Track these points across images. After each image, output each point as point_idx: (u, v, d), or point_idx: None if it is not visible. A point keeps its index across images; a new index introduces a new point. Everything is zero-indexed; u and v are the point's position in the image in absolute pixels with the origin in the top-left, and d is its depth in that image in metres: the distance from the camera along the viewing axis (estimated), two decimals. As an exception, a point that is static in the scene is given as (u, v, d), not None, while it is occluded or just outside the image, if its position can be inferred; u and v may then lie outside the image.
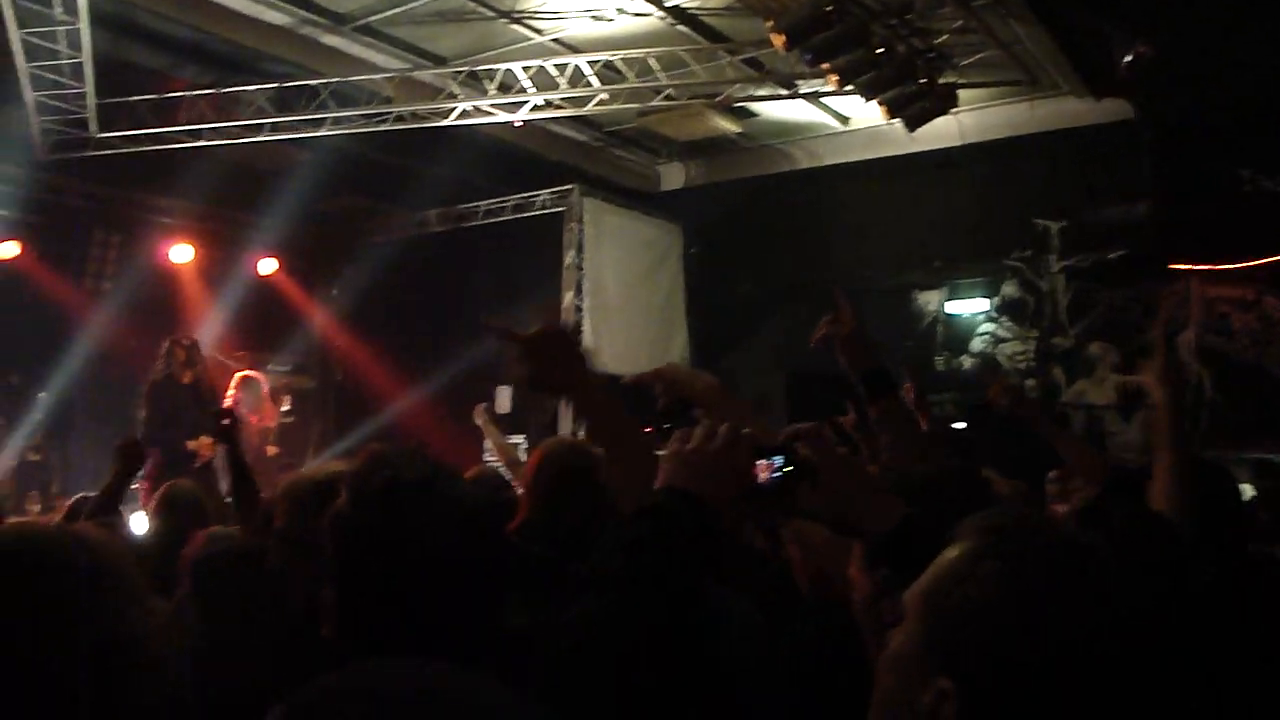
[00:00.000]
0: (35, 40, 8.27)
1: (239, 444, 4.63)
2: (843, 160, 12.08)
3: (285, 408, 10.54)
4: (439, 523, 1.59)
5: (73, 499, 5.41)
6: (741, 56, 9.47)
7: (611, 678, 1.39)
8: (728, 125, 11.33)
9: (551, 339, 2.01)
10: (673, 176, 13.54)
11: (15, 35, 8.15)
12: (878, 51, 8.27)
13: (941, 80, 8.86)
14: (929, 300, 12.21)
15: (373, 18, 9.45)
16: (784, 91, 10.25)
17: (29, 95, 9.02)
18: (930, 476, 2.24)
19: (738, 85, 9.97)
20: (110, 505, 4.29)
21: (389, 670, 1.43)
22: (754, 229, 12.78)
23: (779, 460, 1.64)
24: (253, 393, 9.51)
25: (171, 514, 4.17)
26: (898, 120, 8.97)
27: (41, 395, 11.04)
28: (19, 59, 8.46)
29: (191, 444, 7.99)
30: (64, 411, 11.32)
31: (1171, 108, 9.90)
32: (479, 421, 6.64)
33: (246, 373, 9.78)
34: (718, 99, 10.21)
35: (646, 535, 1.49)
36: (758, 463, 1.63)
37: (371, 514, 1.59)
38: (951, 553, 1.20)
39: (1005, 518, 1.23)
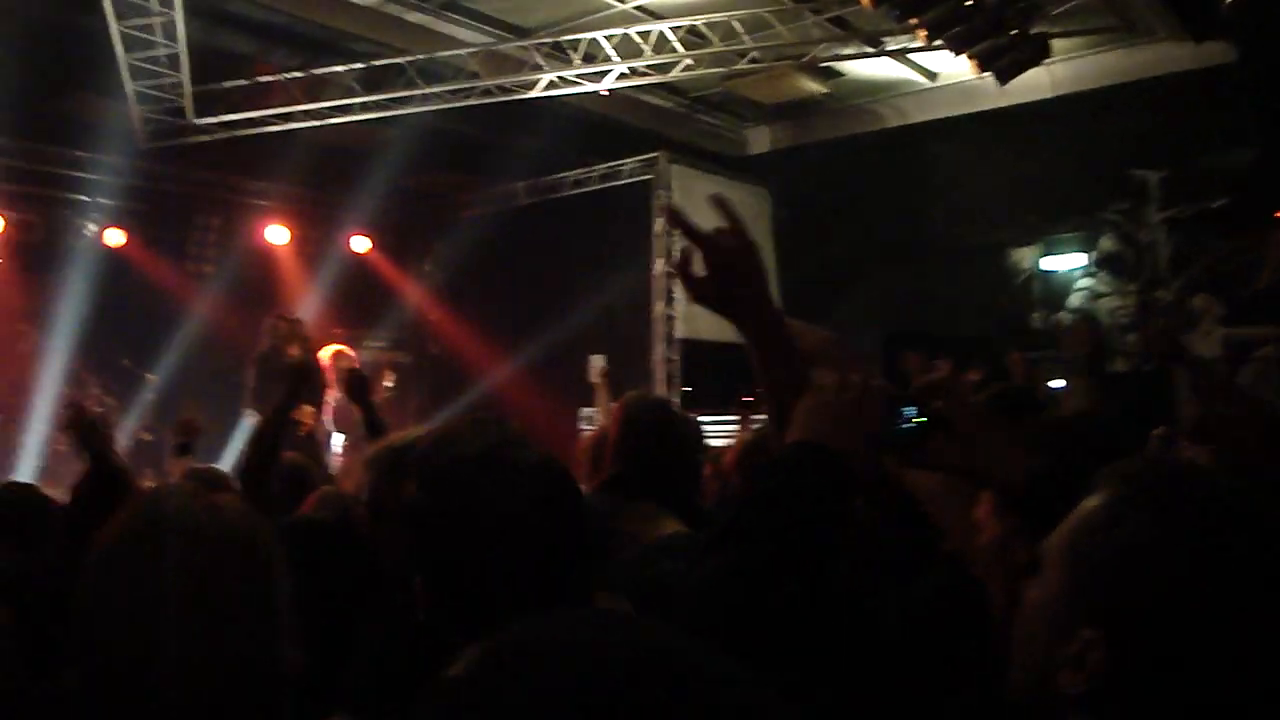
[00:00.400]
0: (133, 32, 8.49)
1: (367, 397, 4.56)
2: (932, 117, 11.88)
3: (388, 384, 10.62)
4: (505, 493, 1.56)
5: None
6: (826, 15, 9.37)
7: (736, 638, 1.31)
8: (814, 86, 11.21)
9: (740, 250, 1.73)
10: (760, 140, 13.47)
11: (115, 28, 8.37)
12: (966, 4, 8.12)
13: (1033, 31, 8.68)
14: (1024, 257, 12.00)
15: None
16: (870, 49, 10.10)
17: (129, 86, 9.25)
18: (1065, 424, 2.20)
19: (823, 45, 9.87)
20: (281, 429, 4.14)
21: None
22: (843, 190, 12.63)
23: (911, 411, 1.62)
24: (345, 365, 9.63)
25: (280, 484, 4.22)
26: (988, 74, 8.82)
27: (151, 376, 11.37)
28: (119, 50, 8.69)
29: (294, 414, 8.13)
30: (173, 391, 11.64)
31: (1274, 48, 9.57)
32: (595, 380, 6.59)
33: (339, 347, 9.86)
34: (803, 60, 10.10)
35: (773, 491, 1.46)
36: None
37: (437, 495, 1.59)
38: (1094, 501, 1.18)
39: (1149, 466, 1.22)
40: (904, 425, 1.62)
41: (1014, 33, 8.50)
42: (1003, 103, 10.53)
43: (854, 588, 1.60)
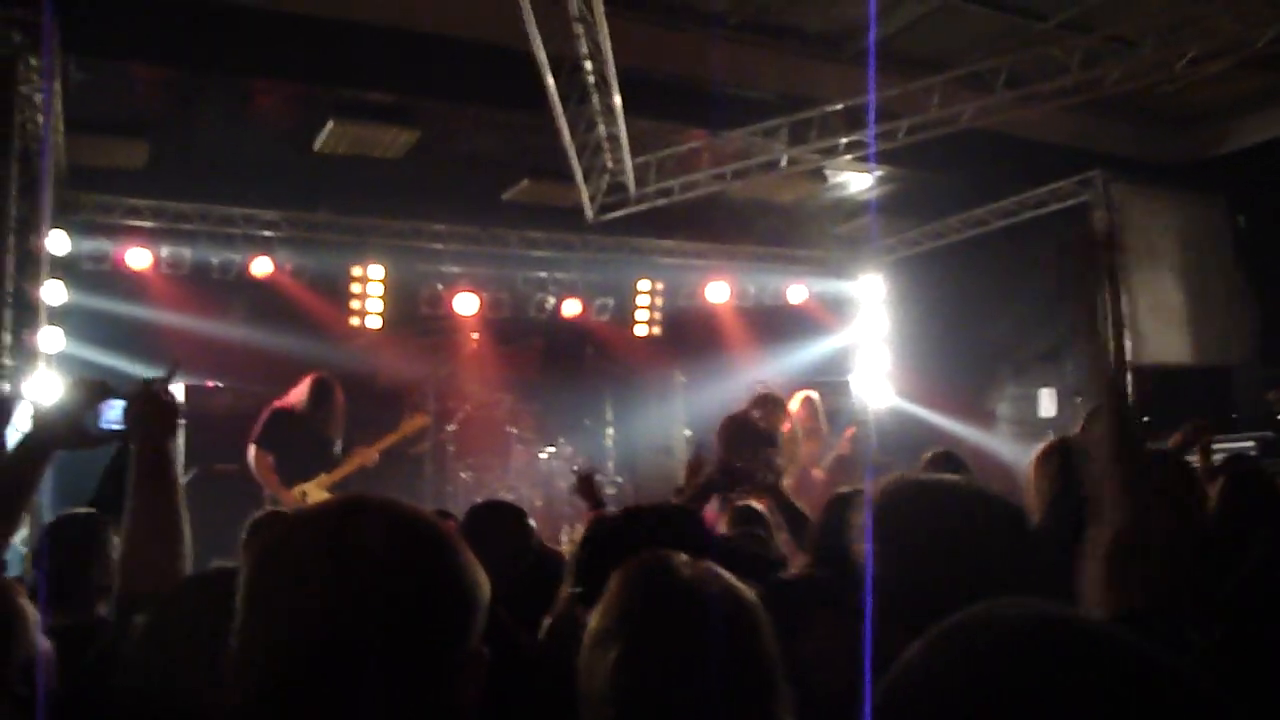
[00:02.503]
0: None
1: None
2: None
3: (849, 434, 10.66)
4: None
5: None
6: None
7: None
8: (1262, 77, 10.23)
9: None
10: (1205, 144, 12.46)
11: (564, 127, 9.18)
12: None
13: None
14: None
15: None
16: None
17: (576, 167, 10.05)
18: None
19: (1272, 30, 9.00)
20: None
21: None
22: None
23: None
24: (810, 412, 9.82)
25: None
26: None
27: (610, 432, 12.20)
28: (565, 137, 9.47)
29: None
30: (629, 446, 12.38)
31: None
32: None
33: (807, 393, 10.08)
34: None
35: None
36: None
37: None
38: None
39: None
40: None
41: None
42: None
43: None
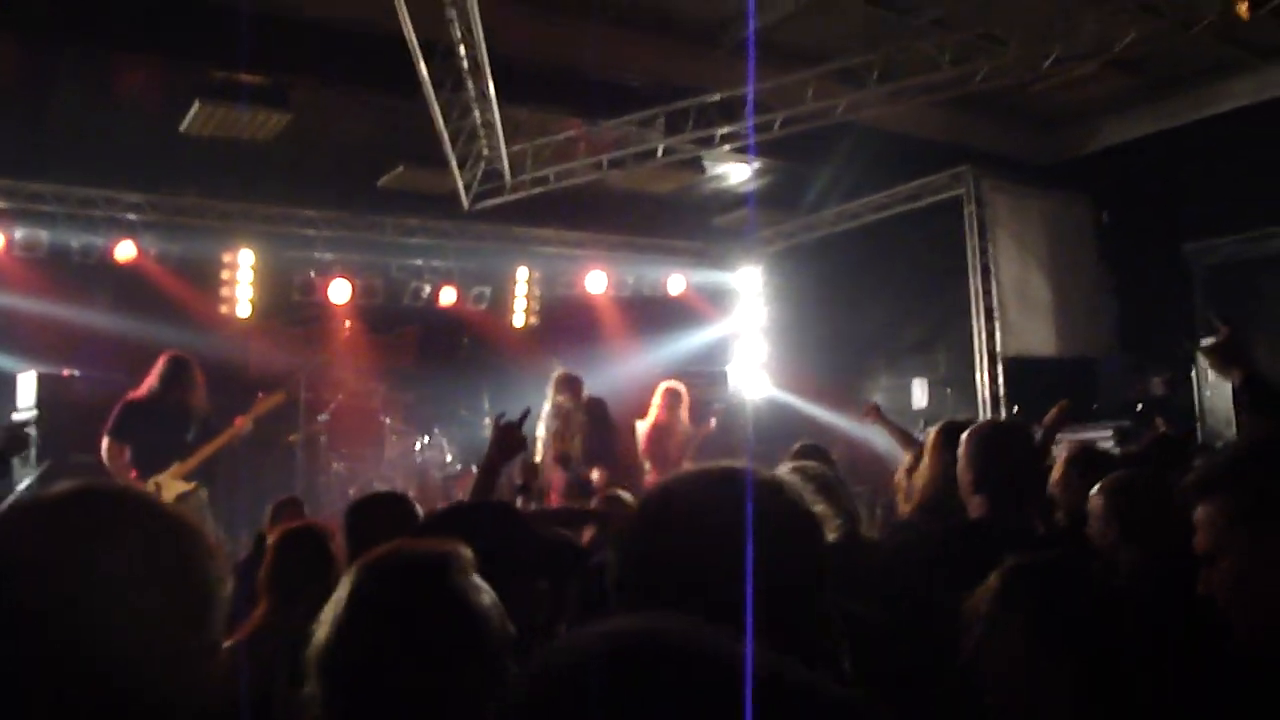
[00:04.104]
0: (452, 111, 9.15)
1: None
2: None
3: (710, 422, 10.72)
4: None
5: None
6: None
7: None
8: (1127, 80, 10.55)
9: None
10: (1072, 143, 12.79)
11: (438, 114, 9.03)
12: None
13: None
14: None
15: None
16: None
17: (450, 155, 9.90)
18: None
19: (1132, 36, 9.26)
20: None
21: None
22: (1177, 182, 11.78)
23: None
24: (668, 404, 9.83)
25: None
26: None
27: (486, 423, 12.08)
28: (439, 123, 9.33)
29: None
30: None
31: None
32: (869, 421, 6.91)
33: (671, 384, 10.11)
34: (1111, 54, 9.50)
35: None
36: None
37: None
38: None
39: None
40: None
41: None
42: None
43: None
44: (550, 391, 9.12)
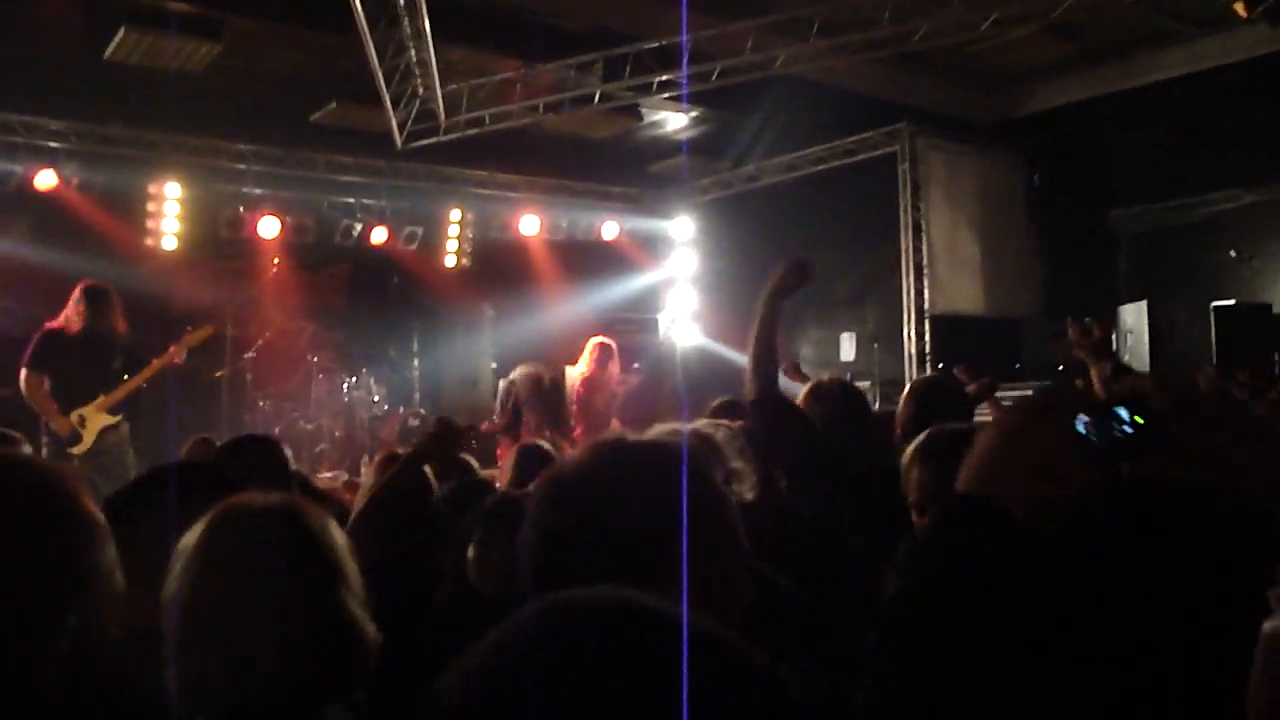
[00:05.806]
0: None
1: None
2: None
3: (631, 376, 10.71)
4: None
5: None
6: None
7: None
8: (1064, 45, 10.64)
9: None
10: (1008, 105, 12.89)
11: (371, 50, 8.87)
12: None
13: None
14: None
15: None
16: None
17: (384, 93, 9.74)
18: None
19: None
20: None
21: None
22: (1107, 149, 11.95)
23: (1124, 413, 1.33)
24: (598, 359, 9.75)
25: None
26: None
27: (416, 364, 12.03)
28: (373, 60, 9.17)
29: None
30: (435, 378, 12.25)
31: None
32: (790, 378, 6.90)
33: (602, 339, 10.00)
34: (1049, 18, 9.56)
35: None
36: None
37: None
38: None
39: None
40: (1119, 432, 1.33)
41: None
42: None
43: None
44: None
